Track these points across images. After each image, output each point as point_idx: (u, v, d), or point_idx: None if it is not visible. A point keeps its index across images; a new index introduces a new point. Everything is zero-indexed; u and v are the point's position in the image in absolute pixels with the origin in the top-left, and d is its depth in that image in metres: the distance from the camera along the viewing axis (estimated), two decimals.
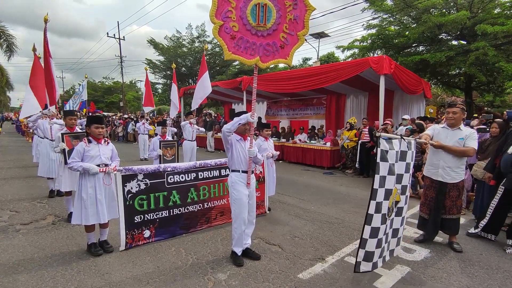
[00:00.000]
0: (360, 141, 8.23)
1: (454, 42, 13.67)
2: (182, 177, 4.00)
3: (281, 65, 28.92)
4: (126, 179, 3.54)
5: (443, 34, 13.49)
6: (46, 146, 5.60)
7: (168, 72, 28.07)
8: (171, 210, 3.88)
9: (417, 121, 7.00)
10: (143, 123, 11.07)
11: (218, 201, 4.35)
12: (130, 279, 2.88)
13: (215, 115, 19.15)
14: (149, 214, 3.69)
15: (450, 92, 17.92)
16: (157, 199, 3.76)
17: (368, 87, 10.02)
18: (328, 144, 9.52)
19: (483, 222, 3.97)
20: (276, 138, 11.54)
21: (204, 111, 20.68)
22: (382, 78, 7.65)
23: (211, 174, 4.30)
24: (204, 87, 7.19)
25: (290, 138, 11.21)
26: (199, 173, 4.18)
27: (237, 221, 3.19)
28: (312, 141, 10.29)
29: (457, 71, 14.03)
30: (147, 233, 3.68)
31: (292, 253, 3.50)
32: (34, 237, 3.88)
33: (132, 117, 19.79)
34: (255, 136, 3.80)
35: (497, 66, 11.23)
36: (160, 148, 5.28)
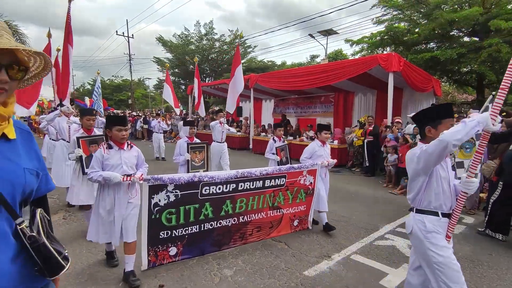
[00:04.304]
0: (366, 140, 8.16)
1: (466, 39, 13.39)
2: (219, 188, 3.35)
3: (288, 63, 28.87)
4: (154, 190, 2.94)
5: (455, 31, 13.21)
6: (63, 149, 4.90)
7: (176, 70, 28.25)
8: (202, 225, 3.31)
9: None
10: (159, 121, 10.54)
11: (256, 214, 3.69)
12: (137, 272, 2.94)
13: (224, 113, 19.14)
14: (177, 230, 3.14)
15: (462, 90, 17.59)
16: (188, 213, 3.19)
17: (376, 85, 9.92)
18: (336, 142, 9.47)
19: (486, 219, 4.08)
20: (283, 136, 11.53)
21: (211, 109, 20.75)
22: (391, 76, 7.57)
23: (253, 185, 3.59)
24: (236, 83, 6.53)
25: (297, 136, 11.19)
26: (240, 184, 3.48)
27: None
28: None
29: (469, 68, 13.75)
30: (173, 250, 3.14)
31: (298, 250, 3.52)
32: None
33: (140, 114, 20.00)
34: (310, 140, 3.26)
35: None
36: (188, 152, 4.51)
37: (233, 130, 7.74)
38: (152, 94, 44.43)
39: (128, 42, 26.84)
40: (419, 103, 10.21)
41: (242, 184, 3.51)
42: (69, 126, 4.81)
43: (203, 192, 3.25)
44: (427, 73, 9.99)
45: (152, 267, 3.04)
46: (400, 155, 6.66)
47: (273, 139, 5.35)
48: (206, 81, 27.63)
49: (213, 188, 3.30)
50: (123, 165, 2.77)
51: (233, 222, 3.53)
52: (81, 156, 3.58)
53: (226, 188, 3.40)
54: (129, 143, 2.91)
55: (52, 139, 6.05)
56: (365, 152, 8.19)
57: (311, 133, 10.83)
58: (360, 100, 11.53)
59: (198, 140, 5.01)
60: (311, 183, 4.10)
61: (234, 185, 3.45)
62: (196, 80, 9.72)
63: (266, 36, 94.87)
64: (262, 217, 3.75)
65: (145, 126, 17.53)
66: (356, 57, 15.90)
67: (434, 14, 12.08)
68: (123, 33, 26.45)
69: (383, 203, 5.57)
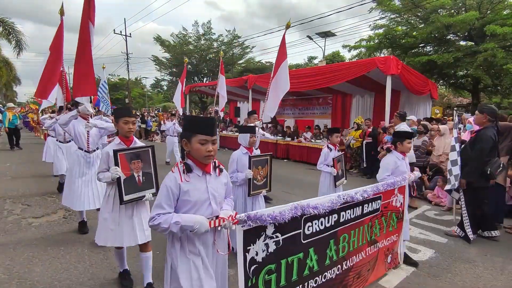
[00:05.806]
0: (364, 142, 8.25)
1: (462, 43, 13.60)
2: (321, 223, 2.26)
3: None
4: (250, 237, 1.78)
5: (451, 35, 13.42)
6: (79, 160, 3.83)
7: (174, 69, 28.18)
8: (306, 284, 2.18)
9: (422, 122, 7.00)
10: (174, 123, 9.26)
11: (357, 255, 2.66)
12: (140, 272, 2.96)
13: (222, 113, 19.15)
14: None
15: (458, 93, 17.83)
16: (290, 268, 2.05)
17: (374, 87, 10.03)
18: None
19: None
20: (281, 137, 11.59)
21: (210, 109, 20.73)
22: (389, 79, 7.66)
23: (353, 214, 2.54)
24: (281, 81, 5.06)
25: (296, 137, 11.27)
26: (341, 214, 2.42)
27: None
28: (317, 141, 10.32)
29: (465, 72, 13.98)
30: None
31: None
32: (46, 230, 3.99)
33: (139, 114, 19.92)
34: (384, 151, 2.48)
35: (505, 68, 11.16)
36: (250, 168, 3.26)
37: (268, 135, 6.41)
38: (149, 93, 44.27)
39: (126, 41, 26.74)
40: (416, 105, 10.35)
41: (344, 213, 2.45)
42: (88, 131, 3.77)
43: (306, 231, 2.14)
44: (424, 76, 10.13)
45: None
46: None
47: (328, 146, 4.31)
48: (204, 81, 27.63)
49: (316, 224, 2.22)
50: (212, 201, 1.69)
51: (337, 272, 2.46)
52: (119, 178, 2.41)
53: (328, 222, 2.32)
54: (217, 164, 1.79)
55: (60, 141, 5.76)
56: (364, 153, 8.28)
57: (309, 134, 10.90)
58: (358, 102, 11.64)
59: (257, 152, 3.77)
60: (401, 204, 3.17)
61: (336, 216, 2.39)
62: (221, 77, 9.15)
63: (265, 37, 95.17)
64: (362, 258, 2.72)
65: (143, 126, 17.51)
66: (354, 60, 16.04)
67: (431, 17, 12.27)
68: (120, 31, 26.36)
69: None
